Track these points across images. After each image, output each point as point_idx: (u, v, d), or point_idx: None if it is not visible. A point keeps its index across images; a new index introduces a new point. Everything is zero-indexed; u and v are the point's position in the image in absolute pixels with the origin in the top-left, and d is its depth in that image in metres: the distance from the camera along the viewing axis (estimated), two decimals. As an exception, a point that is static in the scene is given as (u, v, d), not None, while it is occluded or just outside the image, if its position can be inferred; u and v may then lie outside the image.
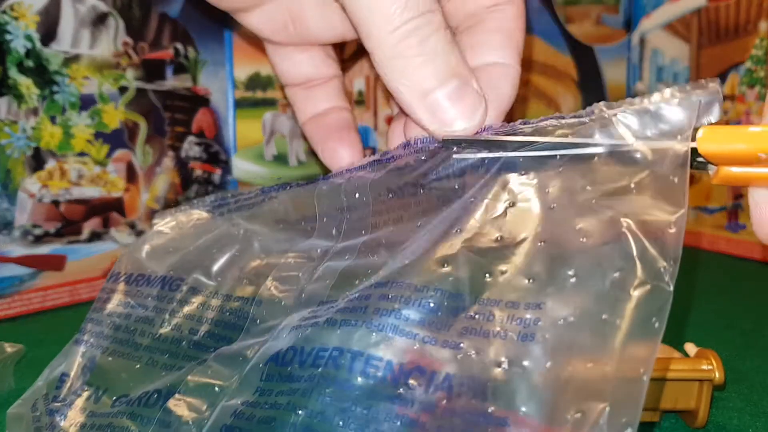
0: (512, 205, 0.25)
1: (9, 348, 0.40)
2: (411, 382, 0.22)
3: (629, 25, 0.80)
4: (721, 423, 0.35)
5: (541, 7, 0.75)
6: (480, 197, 0.26)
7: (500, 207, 0.25)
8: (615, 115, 0.24)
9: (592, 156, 0.24)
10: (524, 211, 0.25)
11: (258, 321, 0.29)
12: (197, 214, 0.34)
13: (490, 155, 0.26)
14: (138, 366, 0.29)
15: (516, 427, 0.21)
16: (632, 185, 0.23)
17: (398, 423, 0.22)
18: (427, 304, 0.24)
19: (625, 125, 0.24)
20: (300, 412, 0.23)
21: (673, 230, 0.21)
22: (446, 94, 0.27)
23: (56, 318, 0.53)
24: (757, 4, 0.68)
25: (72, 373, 0.30)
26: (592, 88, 0.79)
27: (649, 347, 0.20)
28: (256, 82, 0.65)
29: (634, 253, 0.21)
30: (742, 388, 0.39)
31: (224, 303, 0.30)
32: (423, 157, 0.28)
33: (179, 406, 0.26)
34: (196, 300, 0.31)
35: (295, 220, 0.32)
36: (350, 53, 0.68)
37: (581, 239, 0.23)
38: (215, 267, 0.31)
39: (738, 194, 0.70)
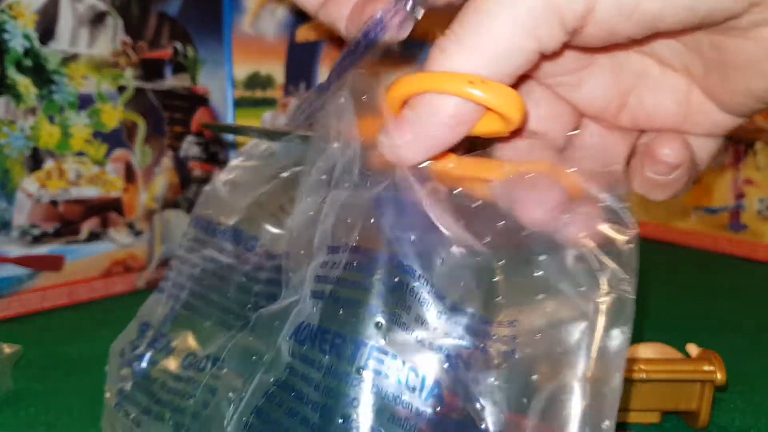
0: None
1: (7, 348, 0.40)
2: (409, 382, 0.23)
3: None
4: (722, 424, 0.35)
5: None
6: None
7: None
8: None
9: None
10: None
11: (290, 273, 0.29)
12: (268, 147, 0.34)
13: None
14: (207, 323, 0.30)
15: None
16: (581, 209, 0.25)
17: (400, 423, 0.22)
18: (420, 296, 0.24)
19: None
20: (317, 401, 0.23)
21: (630, 246, 0.23)
22: None
23: (54, 318, 0.53)
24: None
25: (153, 323, 0.31)
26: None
27: (619, 351, 0.22)
28: (255, 81, 0.64)
29: (597, 267, 0.23)
30: (744, 389, 0.39)
31: (277, 261, 0.30)
32: None
33: (223, 375, 0.27)
34: (262, 259, 0.31)
35: None
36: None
37: (540, 257, 0.24)
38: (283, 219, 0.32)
39: (740, 194, 0.70)
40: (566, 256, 0.24)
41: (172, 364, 0.29)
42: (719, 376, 0.32)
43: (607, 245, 0.24)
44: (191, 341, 0.30)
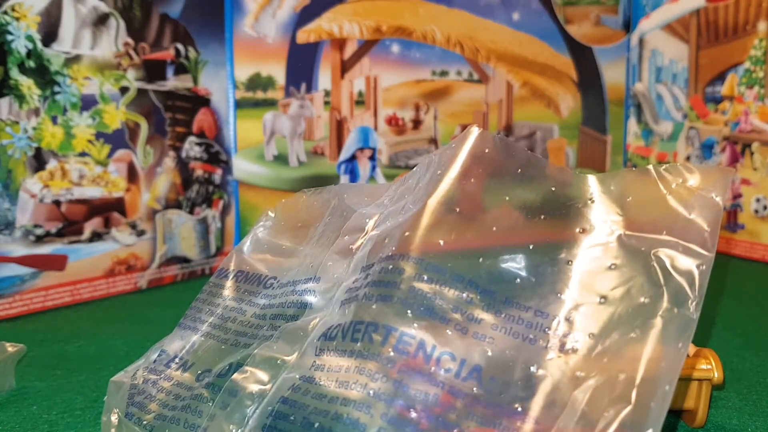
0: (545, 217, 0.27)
1: (10, 348, 0.40)
2: (442, 364, 0.23)
3: (628, 25, 0.80)
4: (720, 422, 0.35)
5: (540, 8, 0.75)
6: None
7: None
8: None
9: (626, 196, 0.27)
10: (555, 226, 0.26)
11: (316, 295, 0.30)
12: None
13: None
14: (224, 347, 0.31)
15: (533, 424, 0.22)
16: (664, 230, 0.25)
17: (428, 398, 0.23)
18: (460, 294, 0.25)
19: None
20: (343, 388, 0.24)
21: (702, 268, 0.24)
22: None
23: (57, 318, 0.53)
24: (756, 5, 0.68)
25: (169, 350, 0.32)
26: (591, 89, 0.79)
27: (673, 363, 0.22)
28: (256, 82, 0.65)
29: (664, 283, 0.24)
30: (742, 387, 0.39)
31: (303, 286, 0.32)
32: None
33: (246, 377, 0.28)
34: (277, 290, 0.32)
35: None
36: (351, 53, 0.68)
37: (610, 266, 0.25)
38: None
39: (737, 194, 0.70)
40: (638, 266, 0.25)
41: (188, 377, 0.30)
42: (716, 375, 0.32)
43: (680, 263, 0.24)
44: (207, 359, 0.31)
